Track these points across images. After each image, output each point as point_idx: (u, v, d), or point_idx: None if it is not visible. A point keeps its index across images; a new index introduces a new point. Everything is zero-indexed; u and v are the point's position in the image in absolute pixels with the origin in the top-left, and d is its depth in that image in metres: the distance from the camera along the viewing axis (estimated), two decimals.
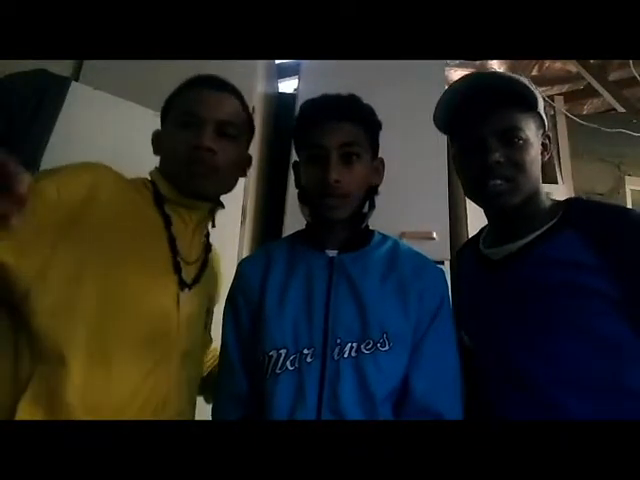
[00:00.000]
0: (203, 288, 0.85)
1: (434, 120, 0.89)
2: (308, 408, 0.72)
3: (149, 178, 0.82)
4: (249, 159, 0.91)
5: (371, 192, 0.85)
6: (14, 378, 0.60)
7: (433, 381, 0.76)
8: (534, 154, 0.79)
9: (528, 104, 0.79)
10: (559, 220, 0.77)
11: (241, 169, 0.88)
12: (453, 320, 0.82)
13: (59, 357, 0.61)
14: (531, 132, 0.79)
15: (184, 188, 0.79)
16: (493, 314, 0.80)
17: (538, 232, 0.78)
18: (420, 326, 0.78)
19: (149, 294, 0.72)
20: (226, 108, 0.81)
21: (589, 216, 0.75)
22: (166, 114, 0.84)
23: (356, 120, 0.82)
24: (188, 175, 0.77)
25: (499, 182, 0.77)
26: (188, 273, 0.80)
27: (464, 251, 0.98)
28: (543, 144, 0.83)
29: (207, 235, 0.90)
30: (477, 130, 0.79)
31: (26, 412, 0.58)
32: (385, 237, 0.89)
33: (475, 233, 0.98)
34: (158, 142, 0.84)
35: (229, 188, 0.86)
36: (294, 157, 0.91)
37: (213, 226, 0.90)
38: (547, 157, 0.83)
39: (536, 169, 0.80)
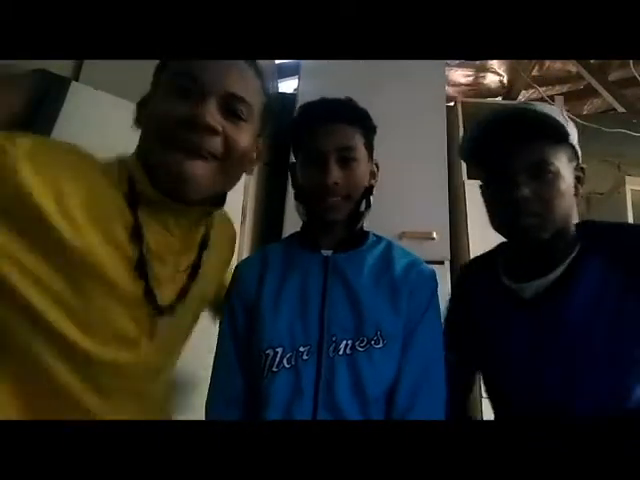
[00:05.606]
0: (197, 292, 0.73)
1: (460, 152, 0.88)
2: (305, 405, 0.73)
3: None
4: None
5: (367, 193, 0.86)
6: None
7: (419, 375, 0.77)
8: (565, 187, 0.77)
9: (559, 136, 0.78)
10: (580, 250, 0.78)
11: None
12: (441, 317, 0.84)
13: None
14: (562, 164, 0.78)
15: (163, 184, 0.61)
16: (529, 352, 0.80)
17: (563, 267, 0.78)
18: (410, 321, 0.80)
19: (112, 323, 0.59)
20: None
21: (608, 240, 0.77)
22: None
23: (352, 122, 0.83)
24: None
25: (529, 218, 0.76)
26: (172, 289, 0.67)
27: (479, 279, 0.94)
28: (577, 177, 0.82)
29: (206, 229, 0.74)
30: (506, 164, 0.78)
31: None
32: (379, 238, 0.90)
33: (484, 253, 0.97)
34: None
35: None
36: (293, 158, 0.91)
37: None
38: (581, 190, 0.82)
39: (566, 202, 0.78)
